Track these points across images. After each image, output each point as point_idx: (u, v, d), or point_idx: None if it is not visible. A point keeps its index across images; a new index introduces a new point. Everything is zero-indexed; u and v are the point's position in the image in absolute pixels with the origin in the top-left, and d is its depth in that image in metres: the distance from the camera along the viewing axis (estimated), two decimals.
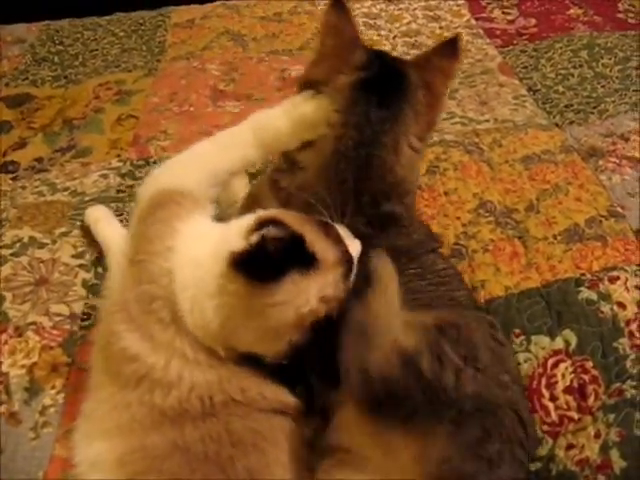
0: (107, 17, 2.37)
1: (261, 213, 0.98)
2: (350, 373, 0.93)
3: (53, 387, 1.13)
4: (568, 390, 1.05)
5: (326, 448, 0.98)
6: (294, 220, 0.95)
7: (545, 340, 1.11)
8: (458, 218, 1.35)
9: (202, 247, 0.99)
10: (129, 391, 0.95)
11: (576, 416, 1.02)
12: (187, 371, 0.95)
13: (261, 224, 0.93)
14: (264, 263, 0.90)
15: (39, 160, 1.69)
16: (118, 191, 1.50)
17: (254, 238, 0.90)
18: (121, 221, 1.38)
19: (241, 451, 0.94)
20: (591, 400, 1.03)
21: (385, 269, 0.99)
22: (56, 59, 2.15)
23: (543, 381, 1.07)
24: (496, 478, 0.90)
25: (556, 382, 1.06)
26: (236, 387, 0.97)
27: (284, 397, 1.00)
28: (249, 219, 0.97)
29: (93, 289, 1.27)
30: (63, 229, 1.37)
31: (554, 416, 1.03)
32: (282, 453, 0.98)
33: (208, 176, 1.14)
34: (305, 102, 1.17)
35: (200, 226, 1.05)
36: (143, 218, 1.07)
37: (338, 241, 0.99)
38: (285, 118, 1.18)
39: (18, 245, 1.33)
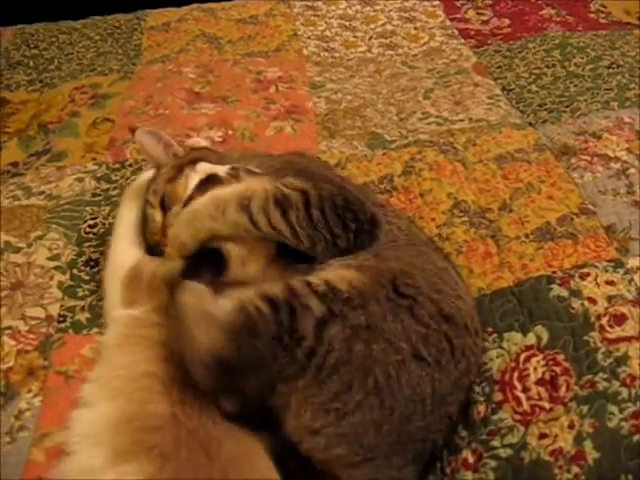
0: (82, 20, 2.36)
1: None
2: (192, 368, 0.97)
3: (29, 391, 1.13)
4: (540, 382, 1.06)
5: None
6: None
7: (517, 336, 1.12)
8: (433, 219, 1.37)
9: None
10: None
11: (547, 406, 1.03)
12: None
13: None
14: None
15: (14, 164, 1.69)
16: (94, 194, 1.50)
17: None
18: (96, 224, 1.39)
19: (230, 435, 0.98)
20: (563, 390, 1.03)
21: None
22: (31, 63, 2.14)
23: (515, 374, 1.08)
24: (347, 424, 0.94)
25: (528, 375, 1.07)
26: None
27: None
28: None
29: (69, 291, 1.27)
30: (38, 232, 1.37)
31: (526, 406, 1.04)
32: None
33: None
34: None
35: None
36: None
37: None
38: None
39: None
